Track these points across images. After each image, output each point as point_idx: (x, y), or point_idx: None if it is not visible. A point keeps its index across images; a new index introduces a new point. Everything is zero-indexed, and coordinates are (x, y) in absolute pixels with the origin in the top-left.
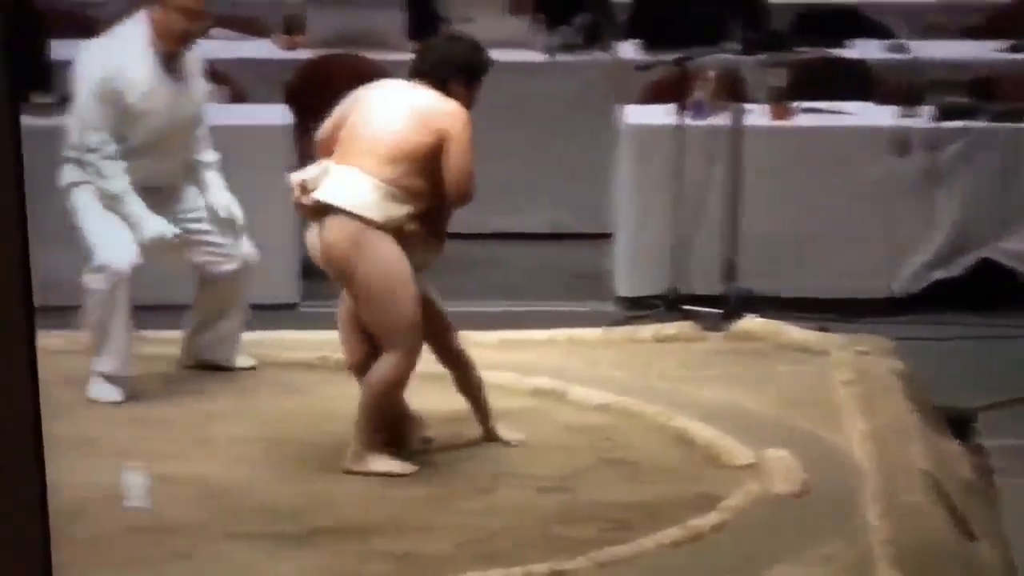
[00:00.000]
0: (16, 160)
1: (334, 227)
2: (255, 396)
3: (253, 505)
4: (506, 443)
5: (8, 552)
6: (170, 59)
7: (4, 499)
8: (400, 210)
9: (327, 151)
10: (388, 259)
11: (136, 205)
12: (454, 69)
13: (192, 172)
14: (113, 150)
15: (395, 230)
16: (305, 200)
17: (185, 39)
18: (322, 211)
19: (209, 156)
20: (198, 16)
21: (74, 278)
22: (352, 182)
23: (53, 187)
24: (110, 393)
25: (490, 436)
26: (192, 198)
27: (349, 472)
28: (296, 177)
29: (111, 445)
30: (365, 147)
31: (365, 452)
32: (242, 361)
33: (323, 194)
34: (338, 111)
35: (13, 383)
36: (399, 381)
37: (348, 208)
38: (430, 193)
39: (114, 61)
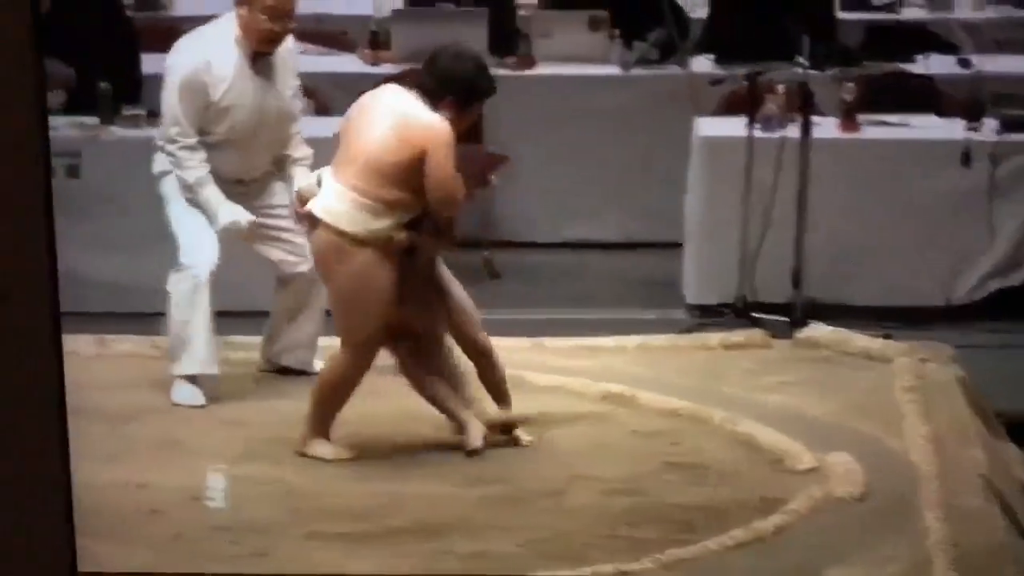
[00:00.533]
0: (45, 163)
1: (318, 237)
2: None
3: (330, 505)
4: (517, 442)
5: (33, 544)
6: (257, 58)
7: (30, 496)
8: (381, 223)
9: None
10: (360, 273)
11: (212, 193)
12: (452, 88)
13: (282, 168)
14: (193, 141)
15: (381, 242)
16: (299, 210)
17: (270, 39)
18: (315, 221)
19: (300, 152)
20: (282, 16)
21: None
22: (335, 195)
23: (143, 197)
24: (192, 397)
25: (503, 428)
26: (278, 193)
27: (300, 454)
28: (297, 187)
29: (193, 447)
30: (350, 159)
31: (310, 437)
32: (320, 366)
33: (312, 205)
34: (344, 118)
35: (41, 388)
36: (343, 381)
37: (329, 221)
38: (415, 203)
39: (200, 56)
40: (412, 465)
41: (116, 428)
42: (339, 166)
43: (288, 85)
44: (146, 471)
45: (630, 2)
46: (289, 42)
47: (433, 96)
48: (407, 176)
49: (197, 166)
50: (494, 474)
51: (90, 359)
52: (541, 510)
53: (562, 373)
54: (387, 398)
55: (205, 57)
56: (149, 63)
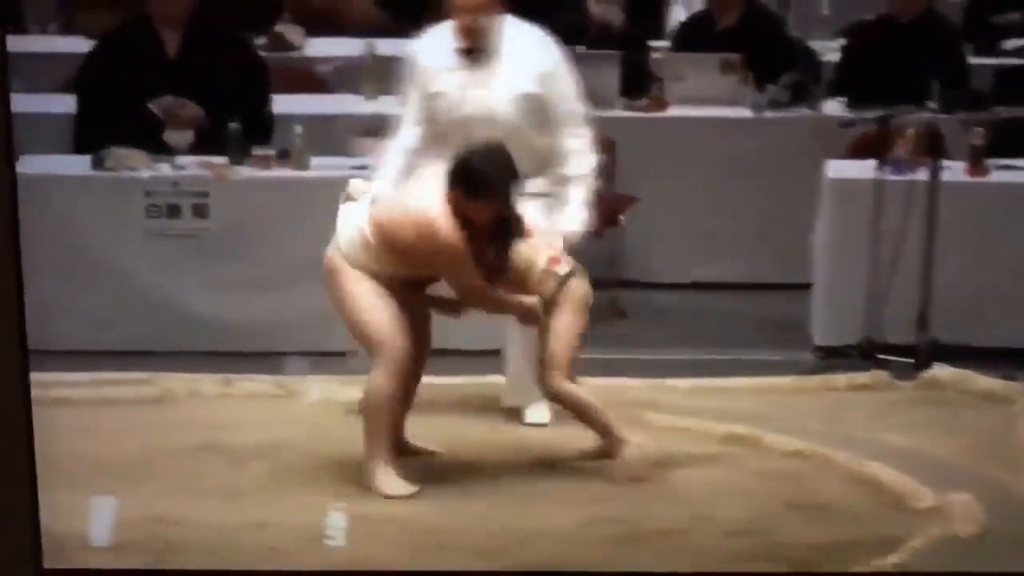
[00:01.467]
0: (11, 203)
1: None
2: (463, 440)
3: (453, 544)
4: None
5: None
6: (470, 54)
7: None
8: (377, 266)
9: None
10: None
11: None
12: (452, 183)
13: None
14: (404, 122)
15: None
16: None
17: (463, 34)
18: None
19: (569, 168)
20: (462, 10)
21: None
22: (359, 216)
23: (270, 237)
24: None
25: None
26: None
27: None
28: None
29: (314, 485)
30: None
31: (368, 466)
32: (534, 415)
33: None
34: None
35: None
36: (377, 395)
37: (339, 238)
38: (407, 269)
39: (419, 50)
40: (535, 503)
41: (238, 467)
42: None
43: (510, 87)
44: (267, 510)
45: (762, 45)
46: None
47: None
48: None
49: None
50: (616, 514)
51: (215, 398)
52: (662, 550)
53: (686, 414)
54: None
55: (422, 49)
56: (280, 104)
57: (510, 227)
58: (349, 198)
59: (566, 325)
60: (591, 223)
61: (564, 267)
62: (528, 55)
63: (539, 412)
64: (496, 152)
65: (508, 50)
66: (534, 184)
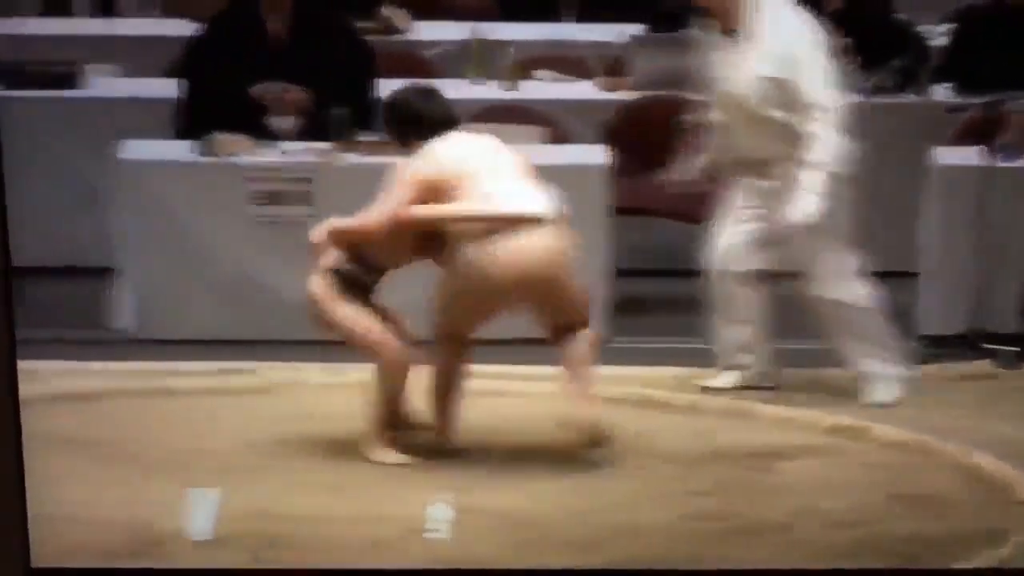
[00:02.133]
0: None
1: None
2: (567, 430)
3: (555, 538)
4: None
5: None
6: (728, 34)
7: None
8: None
9: None
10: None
11: None
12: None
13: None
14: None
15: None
16: None
17: (711, 14)
18: None
19: (812, 154)
20: None
21: None
22: None
23: None
24: None
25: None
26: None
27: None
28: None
29: (417, 477)
30: None
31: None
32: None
33: None
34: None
35: None
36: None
37: None
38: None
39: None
40: (638, 497)
41: (341, 458)
42: None
43: (763, 66)
44: (371, 502)
45: (870, 30)
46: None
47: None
48: None
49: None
50: (718, 508)
51: (318, 388)
52: (765, 544)
53: (793, 404)
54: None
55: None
56: (385, 88)
57: None
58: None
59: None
60: (818, 212)
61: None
62: (777, 36)
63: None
64: (431, 93)
65: (761, 30)
66: (778, 171)
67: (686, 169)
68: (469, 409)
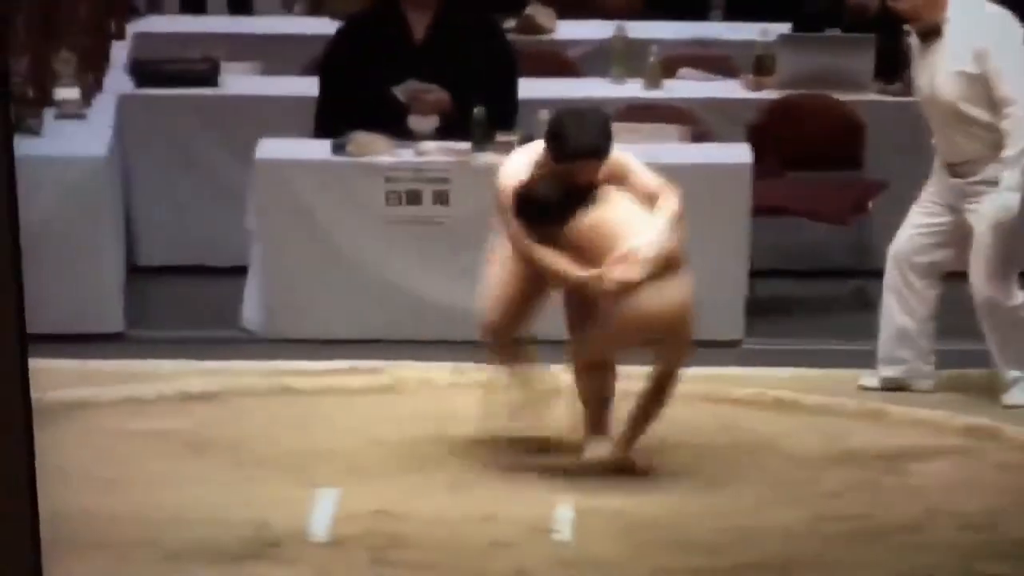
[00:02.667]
0: (10, 192)
1: None
2: (695, 431)
3: (677, 539)
4: None
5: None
6: (921, 36)
7: None
8: None
9: None
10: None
11: None
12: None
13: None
14: None
15: None
16: None
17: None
18: None
19: (1008, 150)
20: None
21: None
22: None
23: None
24: None
25: None
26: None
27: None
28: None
29: (540, 478)
30: None
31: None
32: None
33: None
34: None
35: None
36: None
37: None
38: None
39: None
40: (764, 499)
41: (466, 458)
42: None
43: (952, 65)
44: (492, 502)
45: None
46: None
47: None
48: None
49: None
50: (850, 509)
51: (445, 388)
52: (895, 546)
53: (927, 405)
54: (743, 431)
55: None
56: (526, 88)
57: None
58: None
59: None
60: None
61: (627, 272)
62: (966, 32)
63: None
64: (588, 118)
65: (951, 28)
66: (989, 170)
67: None
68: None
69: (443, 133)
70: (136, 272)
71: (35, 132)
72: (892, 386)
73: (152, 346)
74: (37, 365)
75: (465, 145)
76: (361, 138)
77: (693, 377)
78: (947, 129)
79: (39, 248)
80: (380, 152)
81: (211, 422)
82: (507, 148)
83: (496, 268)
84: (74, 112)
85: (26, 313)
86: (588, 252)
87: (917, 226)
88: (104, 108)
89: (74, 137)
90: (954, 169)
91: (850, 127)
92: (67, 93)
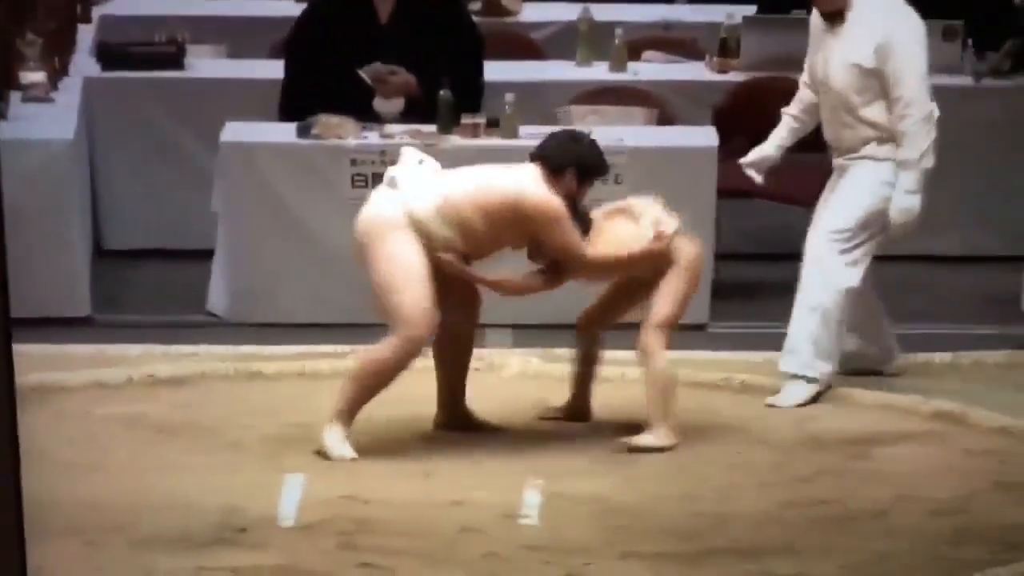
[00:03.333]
0: None
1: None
2: (636, 410)
3: (646, 524)
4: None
5: None
6: (827, 18)
7: None
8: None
9: None
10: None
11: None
12: (572, 160)
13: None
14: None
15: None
16: None
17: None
18: None
19: (904, 152)
20: None
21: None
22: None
23: None
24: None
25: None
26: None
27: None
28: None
29: (508, 463)
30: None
31: (330, 420)
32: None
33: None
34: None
35: None
36: (383, 367)
37: (412, 202)
38: (480, 246)
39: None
40: (733, 484)
41: (434, 443)
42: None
43: (854, 54)
44: (461, 488)
45: (984, 12)
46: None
47: (552, 168)
48: (497, 232)
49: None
50: (818, 494)
51: (417, 372)
52: (864, 531)
53: (894, 390)
54: (710, 415)
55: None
56: (491, 70)
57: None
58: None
59: (673, 286)
60: (919, 209)
61: (672, 224)
62: (870, 24)
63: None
64: (587, 138)
65: (855, 17)
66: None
67: (761, 152)
68: (563, 394)
69: (409, 115)
70: (103, 256)
71: (1, 115)
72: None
73: (120, 330)
74: None
75: (431, 127)
76: (327, 120)
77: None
78: (834, 116)
79: (7, 231)
80: (346, 135)
81: (180, 407)
82: (473, 130)
83: (409, 271)
84: (40, 95)
85: None
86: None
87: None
88: (70, 91)
89: (40, 120)
90: (838, 151)
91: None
92: (33, 76)
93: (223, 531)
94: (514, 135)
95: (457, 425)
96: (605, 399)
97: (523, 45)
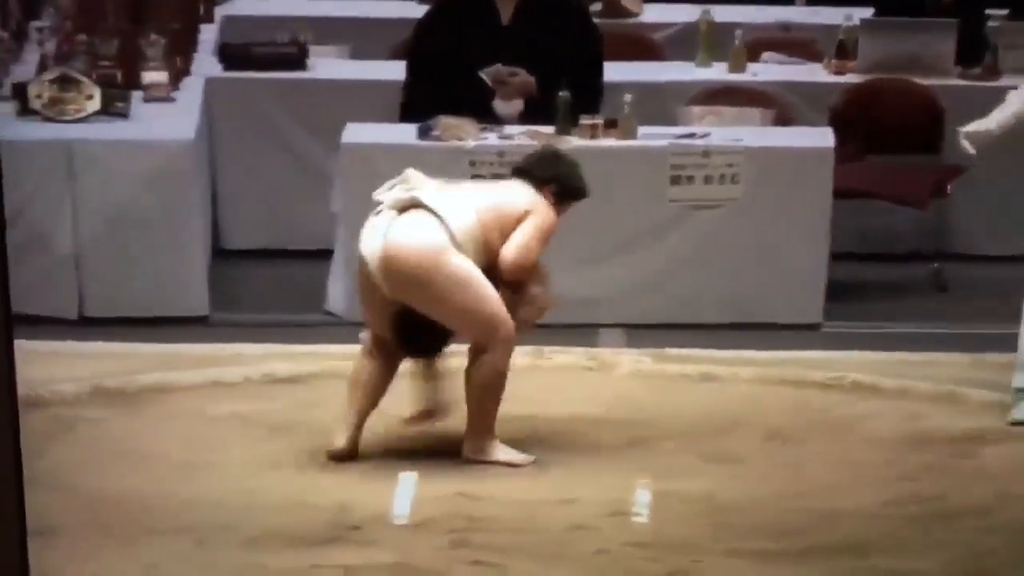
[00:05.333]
0: None
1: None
2: (773, 414)
3: (753, 522)
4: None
5: None
6: None
7: None
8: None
9: None
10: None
11: None
12: (553, 178)
13: None
14: None
15: None
16: None
17: None
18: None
19: None
20: None
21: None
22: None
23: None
24: None
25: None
26: None
27: (468, 461)
28: None
29: (618, 461)
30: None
31: (485, 443)
32: None
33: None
34: None
35: None
36: (501, 375)
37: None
38: (489, 261)
39: None
40: (839, 482)
41: (546, 441)
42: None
43: None
44: (572, 485)
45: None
46: None
47: (537, 183)
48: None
49: None
50: (924, 491)
51: (525, 371)
52: (967, 528)
53: (1002, 390)
54: (822, 412)
55: None
56: (610, 71)
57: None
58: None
59: None
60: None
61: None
62: None
63: None
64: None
65: None
66: None
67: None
68: (674, 393)
69: (528, 117)
70: (221, 255)
71: (123, 115)
72: None
73: (237, 329)
74: (122, 349)
75: (549, 129)
76: (447, 122)
77: (772, 360)
78: None
79: (125, 231)
80: (466, 136)
81: (296, 406)
82: (591, 131)
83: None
84: (162, 95)
85: (113, 296)
86: None
87: None
88: (192, 91)
89: (161, 120)
90: None
91: (930, 111)
92: (155, 76)
93: (336, 529)
94: (633, 136)
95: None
96: (709, 398)
97: (643, 46)
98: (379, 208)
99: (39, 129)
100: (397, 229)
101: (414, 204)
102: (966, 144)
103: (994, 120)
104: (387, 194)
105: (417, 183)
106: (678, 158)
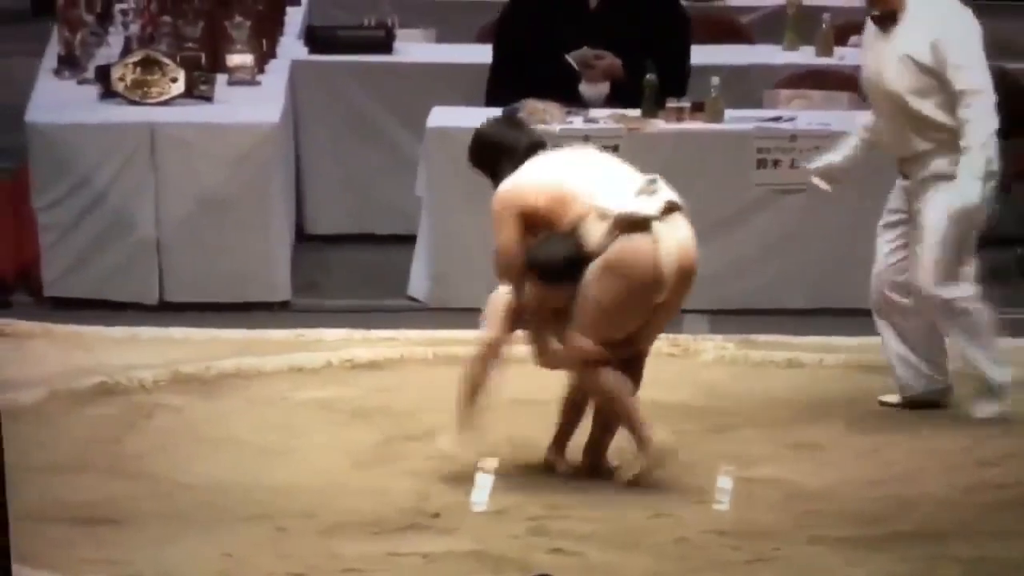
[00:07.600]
0: None
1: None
2: (851, 400)
3: (834, 509)
4: None
5: None
6: (878, 20)
7: None
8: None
9: None
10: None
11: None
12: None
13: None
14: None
15: None
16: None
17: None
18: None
19: (967, 139)
20: None
21: None
22: None
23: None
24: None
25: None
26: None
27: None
28: None
29: (697, 449)
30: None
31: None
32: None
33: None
34: None
35: None
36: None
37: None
38: None
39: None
40: (920, 468)
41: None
42: None
43: (903, 61)
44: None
45: None
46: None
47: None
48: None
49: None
50: (1004, 479)
51: None
52: None
53: None
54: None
55: None
56: (697, 54)
57: None
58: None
59: None
60: (984, 195)
61: None
62: (925, 23)
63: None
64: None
65: (908, 16)
66: (935, 165)
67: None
68: (758, 380)
69: (614, 100)
70: (305, 240)
71: (207, 98)
72: (917, 405)
73: (319, 315)
74: (201, 335)
75: (636, 112)
76: (533, 105)
77: (850, 347)
78: (893, 122)
79: (208, 216)
80: (552, 119)
81: (377, 391)
82: (677, 114)
83: None
84: (247, 78)
85: (194, 281)
86: None
87: (885, 243)
88: (277, 74)
89: (246, 104)
90: (902, 167)
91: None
92: (240, 59)
93: (416, 516)
94: (719, 119)
95: None
96: (793, 385)
97: (731, 29)
98: (643, 214)
99: (122, 112)
100: (685, 234)
101: (673, 207)
102: (817, 181)
103: (839, 154)
104: (648, 201)
105: (661, 184)
106: (764, 142)
